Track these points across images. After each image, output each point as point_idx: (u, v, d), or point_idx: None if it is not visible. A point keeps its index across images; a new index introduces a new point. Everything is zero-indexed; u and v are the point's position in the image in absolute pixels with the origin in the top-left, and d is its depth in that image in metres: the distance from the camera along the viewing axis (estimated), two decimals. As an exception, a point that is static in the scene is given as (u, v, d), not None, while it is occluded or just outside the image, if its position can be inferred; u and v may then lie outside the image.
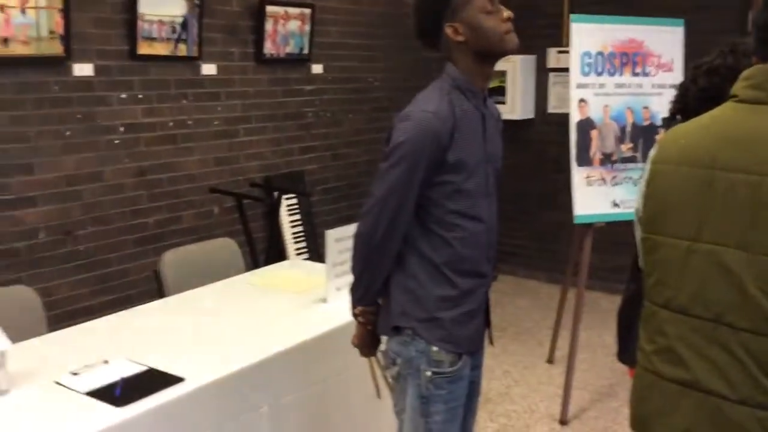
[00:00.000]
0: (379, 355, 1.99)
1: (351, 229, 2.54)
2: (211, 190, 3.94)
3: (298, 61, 4.39)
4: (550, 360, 4.09)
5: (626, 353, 1.85)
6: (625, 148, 3.65)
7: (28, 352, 2.17)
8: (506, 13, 1.78)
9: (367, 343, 1.98)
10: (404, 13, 5.05)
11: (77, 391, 1.93)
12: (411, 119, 1.76)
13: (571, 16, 3.68)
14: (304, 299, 2.65)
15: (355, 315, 1.95)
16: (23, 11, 3.00)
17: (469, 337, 1.87)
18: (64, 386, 1.97)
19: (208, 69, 3.88)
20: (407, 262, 1.84)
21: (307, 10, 4.29)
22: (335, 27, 4.62)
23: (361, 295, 1.90)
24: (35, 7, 3.03)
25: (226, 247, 3.20)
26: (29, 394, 1.95)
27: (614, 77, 3.64)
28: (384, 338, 1.94)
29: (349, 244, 2.58)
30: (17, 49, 3.02)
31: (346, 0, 4.66)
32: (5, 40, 2.97)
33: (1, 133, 3.06)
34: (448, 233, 1.80)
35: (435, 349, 1.82)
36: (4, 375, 1.94)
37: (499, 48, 1.80)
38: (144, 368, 2.06)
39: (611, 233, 3.68)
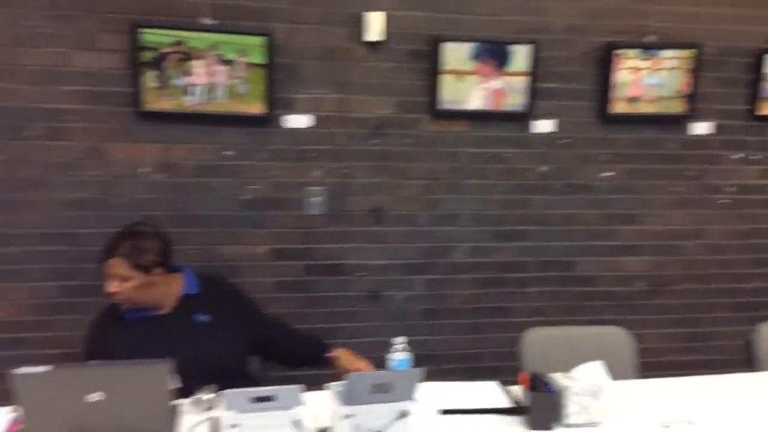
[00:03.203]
0: None
1: None
2: (823, 264, 3.50)
3: None
4: None
5: None
6: None
7: (617, 392, 2.29)
8: None
9: None
10: None
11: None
12: None
13: None
14: None
15: None
16: (653, 73, 3.21)
17: None
18: (650, 434, 2.01)
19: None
20: None
21: None
22: None
23: None
24: (666, 69, 3.21)
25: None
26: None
27: None
28: None
29: None
30: (642, 108, 3.25)
31: None
32: (633, 99, 3.23)
33: (618, 185, 3.33)
34: None
35: None
36: (598, 407, 2.09)
37: None
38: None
39: None
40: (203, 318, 2.42)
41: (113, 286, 2.31)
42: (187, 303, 2.42)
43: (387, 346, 2.27)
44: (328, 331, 3.07)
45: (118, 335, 2.35)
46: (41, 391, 1.80)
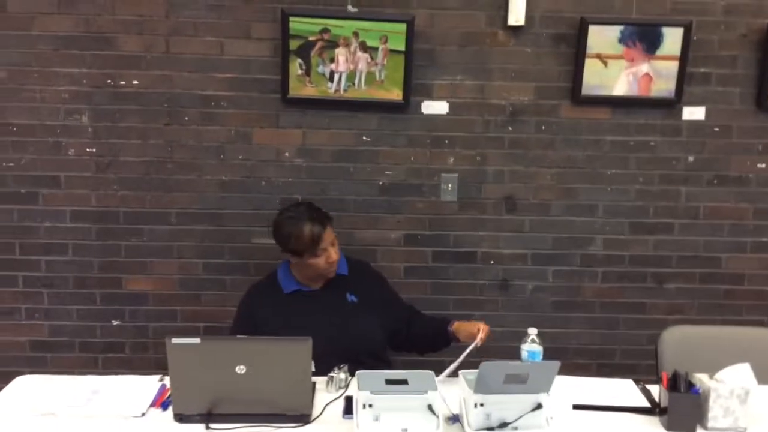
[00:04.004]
0: None
1: None
2: None
3: None
4: None
5: None
6: None
7: (766, 397, 2.15)
8: None
9: None
10: None
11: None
12: None
13: None
14: None
15: None
16: (820, 57, 2.95)
17: None
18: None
19: None
20: None
21: None
22: None
23: None
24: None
25: None
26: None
27: None
28: None
29: None
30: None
31: None
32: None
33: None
34: None
35: None
36: (745, 411, 1.98)
37: None
38: None
39: None
40: (352, 298, 2.51)
41: (335, 253, 2.47)
42: (336, 282, 2.52)
43: (515, 337, 2.25)
44: (455, 318, 3.08)
45: (274, 305, 2.48)
46: (191, 361, 1.93)
